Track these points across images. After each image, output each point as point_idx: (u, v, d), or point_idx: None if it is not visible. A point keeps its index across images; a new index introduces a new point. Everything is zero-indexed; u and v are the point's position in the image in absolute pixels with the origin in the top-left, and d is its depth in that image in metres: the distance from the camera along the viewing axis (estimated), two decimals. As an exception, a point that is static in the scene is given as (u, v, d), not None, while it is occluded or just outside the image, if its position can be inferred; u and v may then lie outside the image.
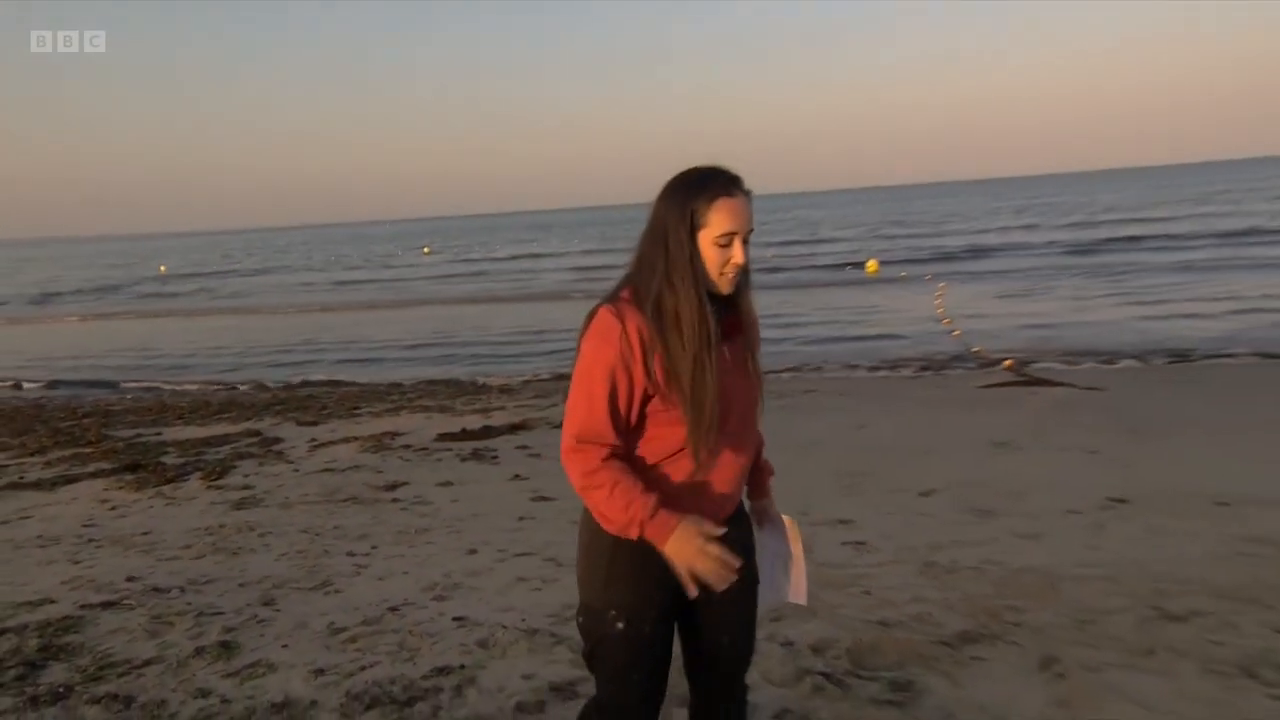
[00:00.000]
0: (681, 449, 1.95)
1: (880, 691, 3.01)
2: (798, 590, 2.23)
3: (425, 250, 73.52)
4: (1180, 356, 12.17)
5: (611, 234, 75.18)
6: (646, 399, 1.90)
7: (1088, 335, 14.48)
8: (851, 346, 15.37)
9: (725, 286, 1.93)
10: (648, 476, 1.94)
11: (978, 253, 32.36)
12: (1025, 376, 10.87)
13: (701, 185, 1.87)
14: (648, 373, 1.86)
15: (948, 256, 31.93)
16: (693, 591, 1.85)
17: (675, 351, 1.86)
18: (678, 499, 1.94)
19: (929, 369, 12.66)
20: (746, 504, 2.22)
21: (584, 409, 1.89)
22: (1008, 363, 12.10)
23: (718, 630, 2.09)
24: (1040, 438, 7.54)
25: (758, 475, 2.25)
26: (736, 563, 1.85)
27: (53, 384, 16.36)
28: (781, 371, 13.03)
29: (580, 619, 2.05)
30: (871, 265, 30.79)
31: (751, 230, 1.92)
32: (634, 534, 1.84)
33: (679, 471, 1.97)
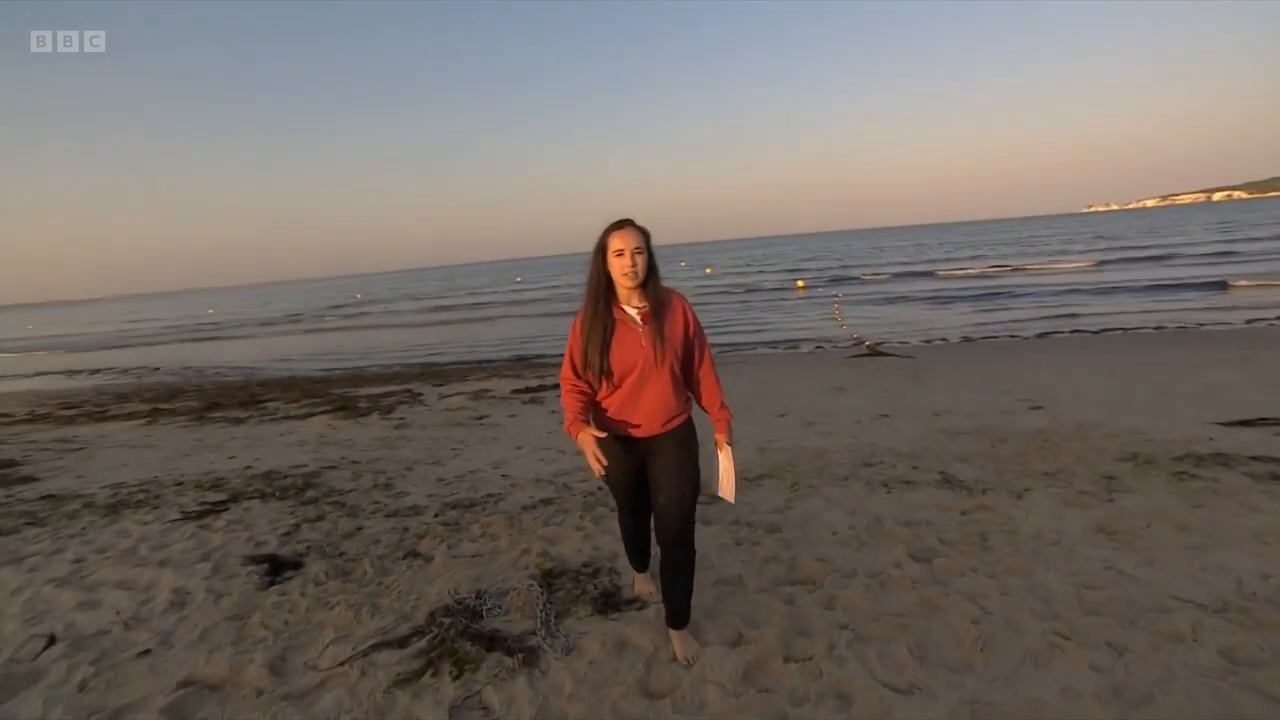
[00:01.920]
0: (604, 392, 2.03)
1: (705, 500, 3.56)
2: (728, 490, 2.17)
3: (517, 279, 71.06)
4: (967, 339, 12.10)
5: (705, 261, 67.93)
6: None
7: (919, 328, 14.38)
8: (777, 334, 15.18)
9: (625, 282, 1.93)
10: (598, 403, 2.06)
11: (866, 279, 31.07)
12: (873, 351, 10.82)
13: (608, 227, 1.94)
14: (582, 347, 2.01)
15: (847, 280, 30.64)
16: (596, 469, 1.88)
17: (586, 333, 1.98)
18: (606, 418, 2.04)
19: (820, 348, 12.43)
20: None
21: (564, 365, 2.06)
22: (867, 343, 11.93)
23: (657, 490, 2.07)
24: (862, 384, 7.68)
25: (711, 417, 2.13)
26: (601, 461, 1.86)
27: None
28: (734, 350, 12.90)
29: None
30: (800, 284, 30.22)
31: (638, 248, 1.91)
32: (567, 431, 1.94)
33: (607, 402, 2.04)
